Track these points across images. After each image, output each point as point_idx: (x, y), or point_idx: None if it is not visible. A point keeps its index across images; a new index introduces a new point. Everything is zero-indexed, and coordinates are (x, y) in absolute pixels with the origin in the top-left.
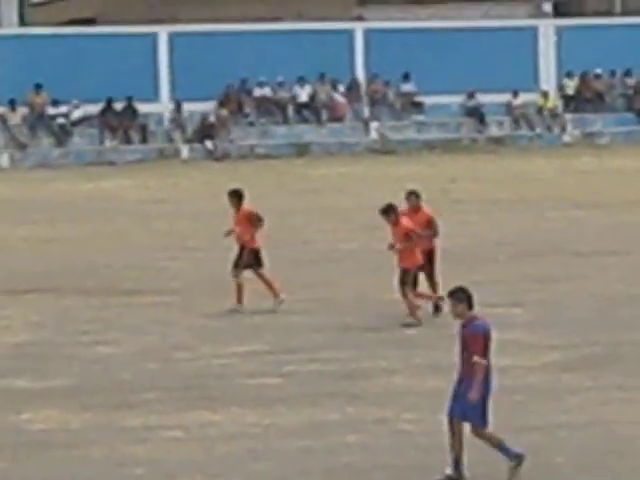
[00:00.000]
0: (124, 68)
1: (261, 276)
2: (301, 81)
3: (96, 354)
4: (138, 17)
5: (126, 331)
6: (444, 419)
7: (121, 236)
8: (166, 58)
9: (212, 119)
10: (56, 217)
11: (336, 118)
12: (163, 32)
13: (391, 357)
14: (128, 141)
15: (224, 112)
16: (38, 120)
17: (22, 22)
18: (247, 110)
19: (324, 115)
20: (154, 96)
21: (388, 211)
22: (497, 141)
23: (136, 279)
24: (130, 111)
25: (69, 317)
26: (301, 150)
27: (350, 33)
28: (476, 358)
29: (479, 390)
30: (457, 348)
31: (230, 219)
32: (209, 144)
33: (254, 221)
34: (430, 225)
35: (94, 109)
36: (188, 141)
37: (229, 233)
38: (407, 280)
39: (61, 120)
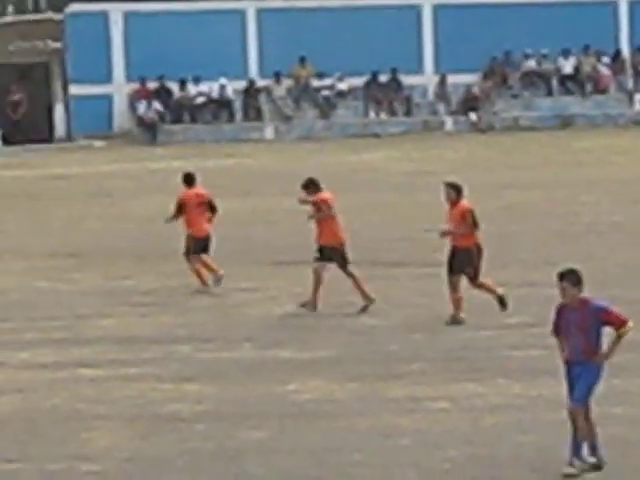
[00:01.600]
0: (388, 40)
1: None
2: (565, 53)
3: (361, 325)
4: None
5: (390, 303)
6: None
7: (386, 208)
8: (430, 30)
9: (476, 91)
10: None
11: (600, 90)
12: (427, 4)
13: None
14: (392, 113)
15: (488, 84)
16: (303, 92)
17: None
18: (511, 82)
19: (588, 87)
20: (418, 68)
21: (308, 186)
22: None
23: (401, 251)
24: (395, 83)
25: (333, 288)
26: (565, 122)
27: (614, 5)
28: (630, 323)
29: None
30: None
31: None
32: (473, 116)
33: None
34: (464, 219)
35: (358, 81)
36: (452, 113)
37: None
38: None
39: (325, 92)
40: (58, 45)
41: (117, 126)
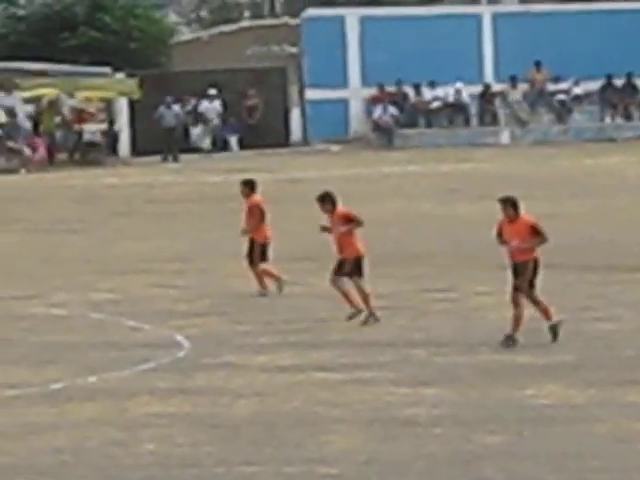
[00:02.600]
0: (623, 44)
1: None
2: None
3: (597, 330)
4: None
5: (628, 307)
6: None
7: (623, 212)
8: None
9: None
10: (556, 193)
11: None
12: None
13: None
14: (628, 117)
15: None
16: (538, 97)
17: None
18: None
19: None
20: None
21: (324, 199)
22: None
23: (638, 255)
24: (630, 88)
25: (569, 292)
26: None
27: None
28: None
29: None
30: None
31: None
32: None
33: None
34: (534, 234)
35: (594, 86)
36: None
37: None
38: None
39: (561, 97)
40: (294, 50)
41: (353, 130)
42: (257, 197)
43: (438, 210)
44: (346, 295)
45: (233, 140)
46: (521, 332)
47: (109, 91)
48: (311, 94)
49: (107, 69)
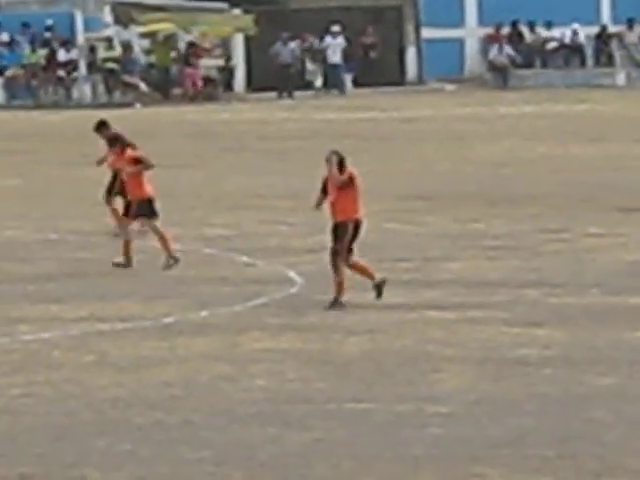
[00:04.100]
0: None
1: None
2: None
3: None
4: None
5: None
6: None
7: None
8: None
9: None
10: None
11: None
12: None
13: None
14: None
15: None
16: None
17: None
18: None
19: None
20: None
21: (113, 141)
22: None
23: None
24: None
25: None
26: None
27: None
28: None
29: None
30: None
31: None
32: None
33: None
34: None
35: None
36: None
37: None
38: None
39: None
40: None
41: (468, 70)
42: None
43: (553, 151)
44: (127, 244)
45: (348, 78)
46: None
47: (225, 27)
48: (427, 33)
49: (224, 5)
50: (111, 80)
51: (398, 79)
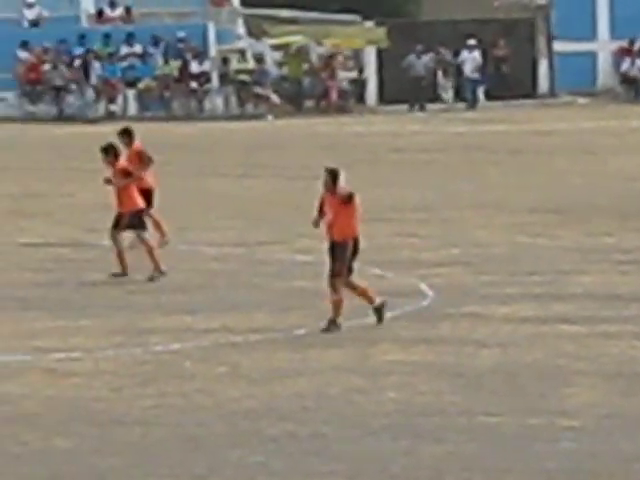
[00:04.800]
0: None
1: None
2: None
3: None
4: None
5: None
6: None
7: None
8: None
9: None
10: None
11: None
12: None
13: None
14: None
15: None
16: None
17: None
18: None
19: None
20: None
21: (107, 151)
22: None
23: None
24: None
25: None
26: None
27: None
28: None
29: None
30: None
31: None
32: None
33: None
34: None
35: None
36: None
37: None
38: None
39: None
40: (543, 1)
41: (601, 83)
42: (138, 144)
43: None
44: (120, 254)
45: (480, 91)
46: None
47: (357, 39)
48: (559, 46)
49: (356, 17)
50: (243, 92)
51: (530, 92)
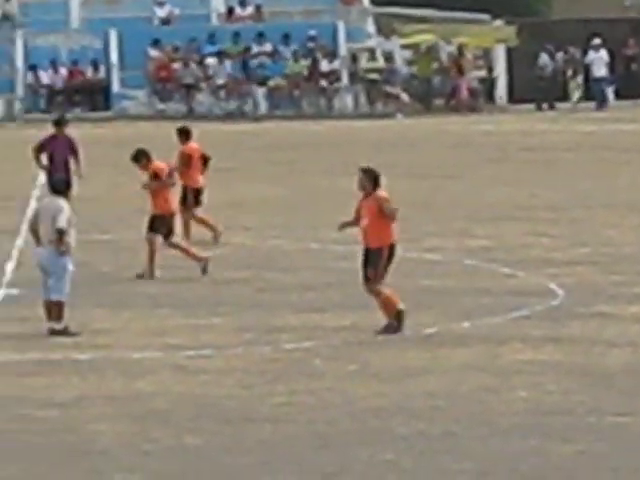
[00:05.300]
0: None
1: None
2: None
3: None
4: None
5: None
6: None
7: None
8: None
9: None
10: None
11: None
12: None
13: None
14: None
15: None
16: None
17: None
18: None
19: None
20: None
21: (137, 158)
22: None
23: None
24: None
25: None
26: None
27: None
28: None
29: None
30: None
31: None
32: None
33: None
34: None
35: None
36: None
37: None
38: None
39: None
40: None
41: None
42: (192, 145)
43: None
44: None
45: (609, 90)
46: None
47: (486, 38)
48: None
49: (486, 16)
50: (373, 91)
51: None
